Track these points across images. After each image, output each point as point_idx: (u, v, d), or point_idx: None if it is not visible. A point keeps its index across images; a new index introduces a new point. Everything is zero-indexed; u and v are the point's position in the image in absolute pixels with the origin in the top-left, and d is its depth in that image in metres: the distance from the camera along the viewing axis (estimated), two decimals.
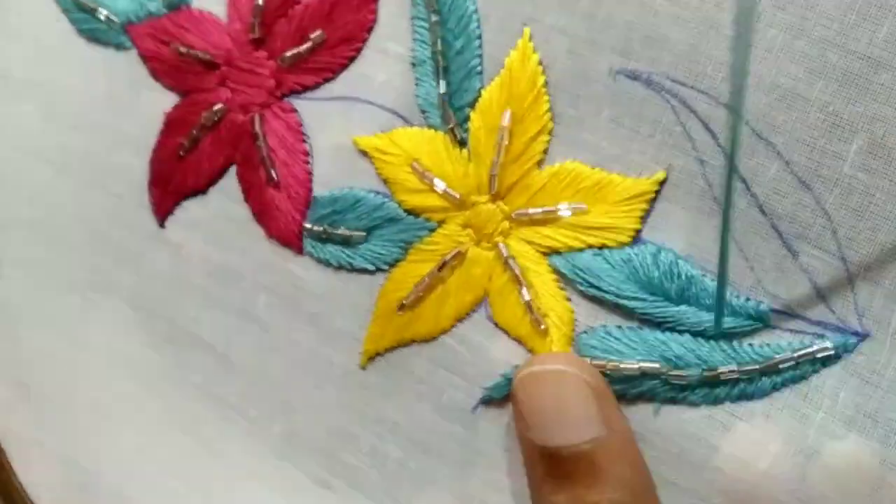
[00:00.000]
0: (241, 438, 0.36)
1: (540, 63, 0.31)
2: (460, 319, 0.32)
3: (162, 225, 0.37)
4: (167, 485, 0.37)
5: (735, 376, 0.28)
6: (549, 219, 0.30)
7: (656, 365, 0.29)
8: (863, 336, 0.27)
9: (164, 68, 0.36)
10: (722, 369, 0.28)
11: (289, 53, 0.34)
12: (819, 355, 0.27)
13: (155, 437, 0.38)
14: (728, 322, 0.28)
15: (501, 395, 0.31)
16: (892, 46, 0.26)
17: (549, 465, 0.28)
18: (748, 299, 0.28)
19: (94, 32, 0.38)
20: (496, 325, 0.31)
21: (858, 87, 0.27)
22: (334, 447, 0.34)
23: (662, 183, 0.29)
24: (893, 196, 0.26)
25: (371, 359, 0.33)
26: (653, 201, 0.29)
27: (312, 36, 0.34)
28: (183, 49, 0.36)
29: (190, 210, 0.37)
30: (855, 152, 0.27)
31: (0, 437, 0.41)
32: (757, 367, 0.28)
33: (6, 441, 0.41)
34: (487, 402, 0.32)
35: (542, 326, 0.30)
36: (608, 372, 0.29)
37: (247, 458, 0.36)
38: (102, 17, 0.38)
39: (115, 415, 0.39)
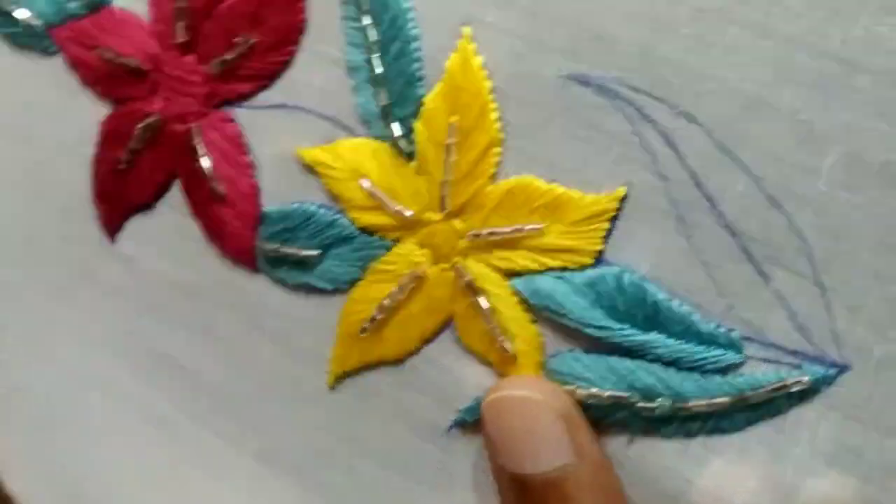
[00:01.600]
0: (216, 453, 0.36)
1: (484, 67, 0.28)
2: (427, 341, 0.31)
3: (112, 240, 0.36)
4: (148, 499, 0.38)
5: (706, 409, 0.27)
6: (505, 240, 0.29)
7: (625, 395, 0.28)
8: (842, 367, 0.26)
9: (93, 75, 0.35)
10: (692, 402, 0.27)
11: (218, 60, 0.32)
12: (795, 388, 0.26)
13: (133, 451, 0.38)
14: (700, 352, 0.27)
15: (474, 419, 0.31)
16: (869, 46, 0.24)
17: (519, 492, 0.28)
18: (719, 327, 0.27)
19: (16, 37, 0.36)
20: (464, 348, 0.30)
21: (832, 93, 0.25)
22: (310, 465, 0.35)
23: (623, 200, 0.27)
24: (873, 215, 0.25)
25: (339, 379, 0.33)
26: (614, 220, 0.28)
27: (239, 41, 0.32)
28: (108, 54, 0.34)
29: (141, 223, 0.36)
30: (830, 167, 0.25)
31: None
32: (728, 399, 0.27)
33: None
34: (461, 424, 0.31)
35: (509, 352, 0.29)
36: (578, 399, 0.28)
37: (223, 474, 0.36)
38: (21, 19, 0.36)
39: (92, 427, 0.39)
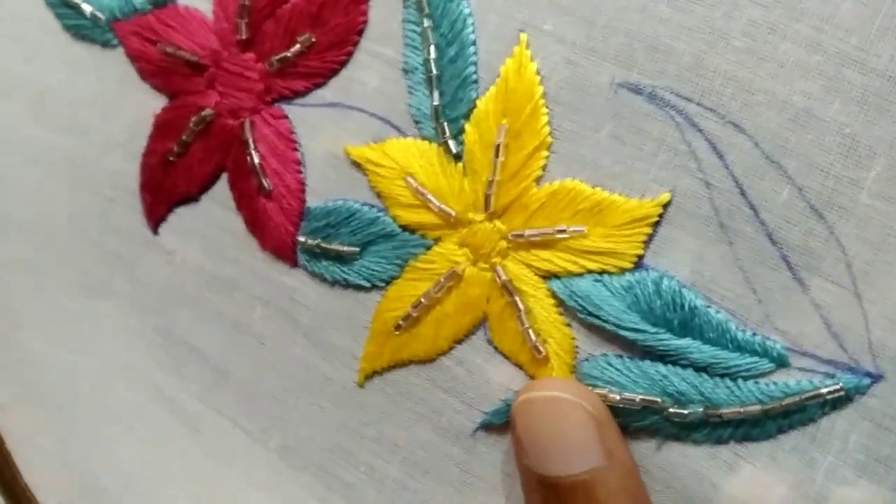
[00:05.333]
0: (240, 449, 0.36)
1: (538, 73, 0.29)
2: (459, 341, 0.31)
3: (155, 231, 0.37)
4: (167, 491, 0.38)
5: (738, 416, 0.27)
6: (546, 241, 0.29)
7: (658, 399, 0.28)
8: (876, 377, 0.26)
9: (152, 69, 0.36)
10: (724, 410, 0.27)
11: (277, 57, 0.33)
12: (829, 397, 0.26)
13: (153, 443, 0.38)
14: (734, 358, 0.27)
15: (501, 421, 0.31)
16: None
17: (547, 494, 0.28)
18: (755, 334, 0.27)
19: (80, 29, 0.37)
20: (496, 348, 0.31)
21: (878, 109, 0.25)
22: (332, 464, 0.34)
23: (667, 206, 0.28)
24: None
25: (368, 377, 0.33)
26: (656, 225, 0.28)
27: (300, 39, 0.33)
28: (169, 49, 0.35)
29: (183, 217, 0.36)
30: (873, 179, 0.26)
31: (6, 439, 0.42)
32: (761, 407, 0.27)
33: (12, 442, 0.42)
34: (487, 426, 0.31)
35: (542, 354, 0.29)
36: (609, 403, 0.28)
37: (245, 468, 0.36)
38: (87, 13, 0.37)
39: (115, 420, 0.39)
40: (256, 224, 0.35)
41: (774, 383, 0.27)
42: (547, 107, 0.29)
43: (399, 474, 0.33)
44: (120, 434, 0.39)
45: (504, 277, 0.30)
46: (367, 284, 0.33)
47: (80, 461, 0.40)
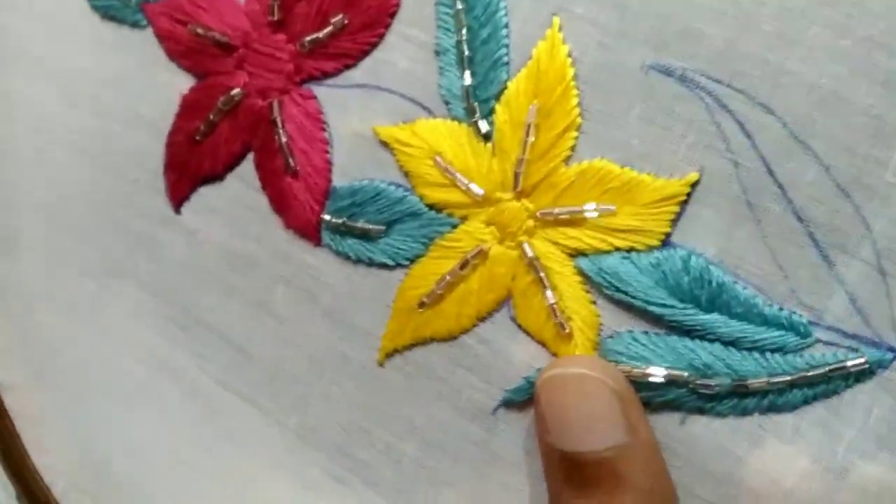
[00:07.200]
0: (257, 429, 0.36)
1: (569, 55, 0.30)
2: (482, 319, 0.32)
3: (177, 211, 0.37)
4: (179, 472, 0.38)
5: (765, 387, 0.27)
6: (575, 219, 0.30)
7: (684, 373, 0.28)
8: None
9: (180, 49, 0.36)
10: (752, 380, 0.27)
11: (308, 38, 0.34)
12: (853, 370, 0.27)
13: (168, 424, 0.38)
14: (761, 332, 0.27)
15: (522, 399, 0.31)
16: None
17: (570, 471, 0.28)
18: (781, 309, 0.27)
19: (109, 10, 0.38)
20: (519, 326, 0.31)
21: None
22: (350, 443, 0.34)
23: (694, 185, 0.29)
24: None
25: (389, 356, 0.33)
26: (684, 204, 0.29)
27: (333, 20, 0.33)
28: (200, 30, 0.35)
29: (206, 196, 0.36)
30: None
31: (15, 420, 0.42)
32: (788, 378, 0.27)
33: (21, 424, 0.42)
34: (508, 404, 0.31)
35: (566, 330, 0.30)
36: (633, 379, 0.29)
37: (261, 448, 0.36)
38: None
39: (129, 401, 0.39)
40: (281, 203, 0.35)
41: (801, 356, 0.27)
42: (577, 88, 0.30)
43: (417, 453, 0.33)
44: (135, 416, 0.39)
45: (531, 254, 0.30)
46: (392, 263, 0.33)
47: (93, 443, 0.40)
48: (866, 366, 0.27)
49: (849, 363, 0.27)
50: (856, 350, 0.27)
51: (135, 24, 0.37)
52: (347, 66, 0.34)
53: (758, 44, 0.28)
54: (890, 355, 0.26)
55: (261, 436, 0.36)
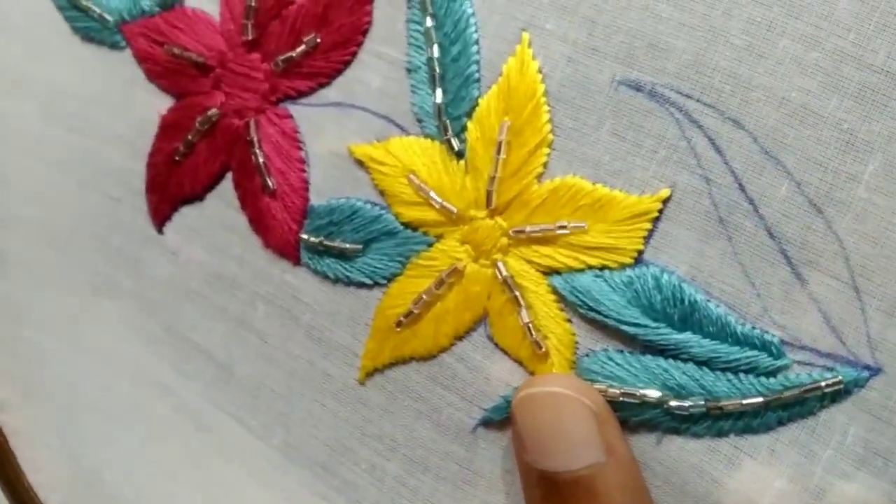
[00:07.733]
0: (243, 446, 0.36)
1: (539, 71, 0.29)
2: (459, 337, 0.31)
3: (160, 231, 0.37)
4: (168, 488, 0.38)
5: (739, 409, 0.27)
6: (547, 237, 0.29)
7: (658, 393, 0.28)
8: (875, 371, 0.26)
9: (159, 70, 0.36)
10: (725, 402, 0.27)
11: (282, 57, 0.33)
12: (828, 390, 0.26)
13: (156, 440, 0.38)
14: (734, 352, 0.27)
15: (501, 417, 0.31)
16: None
17: (547, 490, 0.28)
18: (754, 328, 0.27)
19: (89, 31, 0.38)
20: (496, 345, 0.31)
21: (876, 104, 0.25)
22: (333, 461, 0.34)
23: (666, 201, 0.28)
24: None
25: (369, 374, 0.33)
26: (656, 221, 0.28)
27: (306, 39, 0.33)
28: (176, 50, 0.35)
29: (187, 216, 0.36)
30: (871, 174, 0.26)
31: (9, 437, 0.42)
32: (762, 399, 0.27)
33: (15, 441, 0.42)
34: (487, 423, 0.31)
35: (542, 349, 0.29)
36: (609, 398, 0.28)
37: (248, 465, 0.36)
38: (96, 16, 0.37)
39: (117, 417, 0.39)
40: (260, 222, 0.35)
41: (774, 376, 0.27)
42: (548, 104, 0.30)
43: (399, 472, 0.33)
44: (123, 431, 0.39)
45: (505, 273, 0.30)
46: (370, 282, 0.33)
47: (84, 459, 0.40)
48: (841, 386, 0.26)
49: (823, 384, 0.26)
50: (831, 369, 0.26)
51: (114, 46, 0.37)
52: (322, 85, 0.33)
53: (727, 57, 0.27)
54: (866, 374, 0.26)
55: (247, 452, 0.36)
